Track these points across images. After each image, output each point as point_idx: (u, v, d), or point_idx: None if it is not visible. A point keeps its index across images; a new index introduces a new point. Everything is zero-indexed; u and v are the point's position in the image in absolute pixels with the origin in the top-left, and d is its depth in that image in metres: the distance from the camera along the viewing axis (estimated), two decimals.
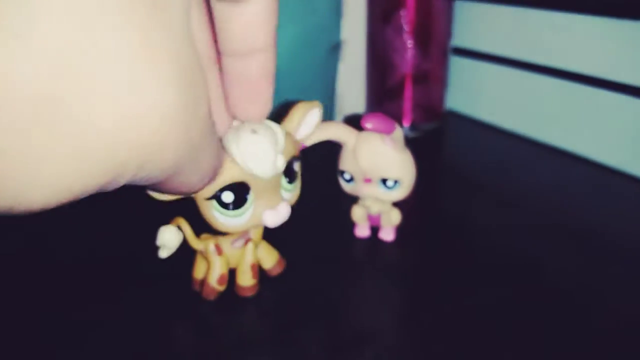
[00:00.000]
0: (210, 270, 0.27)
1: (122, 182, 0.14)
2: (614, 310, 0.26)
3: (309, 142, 0.30)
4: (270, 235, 0.28)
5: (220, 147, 0.21)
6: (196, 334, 0.25)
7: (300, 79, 0.47)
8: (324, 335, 0.25)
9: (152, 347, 0.25)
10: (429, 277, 0.29)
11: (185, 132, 0.15)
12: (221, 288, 0.27)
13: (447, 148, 0.50)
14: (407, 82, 0.49)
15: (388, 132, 0.28)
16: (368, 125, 0.28)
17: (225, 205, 0.23)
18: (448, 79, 0.52)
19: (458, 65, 0.55)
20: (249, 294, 0.28)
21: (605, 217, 0.36)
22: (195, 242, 0.27)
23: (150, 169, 0.14)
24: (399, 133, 0.30)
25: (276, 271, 0.29)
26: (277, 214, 0.25)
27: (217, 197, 0.23)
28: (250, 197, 0.23)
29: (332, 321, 0.26)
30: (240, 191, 0.23)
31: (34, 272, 0.30)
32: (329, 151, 0.31)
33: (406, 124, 0.50)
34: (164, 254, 0.26)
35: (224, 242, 0.27)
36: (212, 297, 0.27)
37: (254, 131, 0.22)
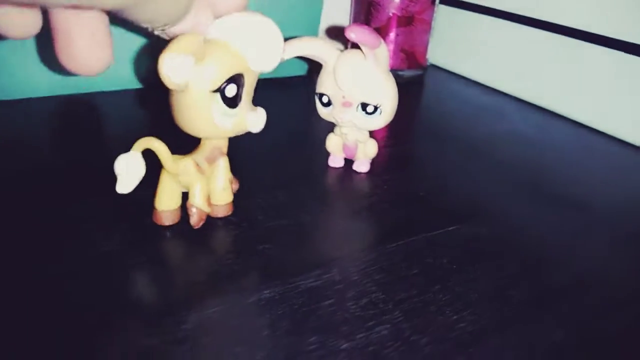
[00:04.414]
0: (196, 193, 0.23)
1: None
2: (565, 261, 0.26)
3: (286, 56, 0.28)
4: (237, 160, 0.26)
5: None
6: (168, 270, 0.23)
7: (284, 17, 0.44)
8: (289, 255, 0.23)
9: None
10: (396, 211, 0.28)
11: None
12: (209, 210, 0.24)
13: (426, 97, 0.49)
14: (392, 23, 0.47)
15: (373, 46, 0.26)
16: (352, 35, 0.25)
17: (227, 101, 0.22)
18: (433, 27, 0.50)
19: (444, 14, 0.53)
20: (228, 212, 0.26)
21: (570, 169, 0.35)
22: (172, 163, 0.23)
23: None
24: (384, 52, 0.28)
25: (234, 187, 0.27)
26: (261, 117, 0.24)
27: (222, 90, 0.21)
28: (243, 96, 0.23)
29: (299, 244, 0.24)
30: (239, 87, 0.22)
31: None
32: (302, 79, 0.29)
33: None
34: (124, 187, 0.21)
35: (199, 160, 0.24)
36: (201, 222, 0.24)
37: (260, 21, 0.22)
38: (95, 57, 0.17)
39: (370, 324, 0.20)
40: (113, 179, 0.21)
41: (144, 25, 0.18)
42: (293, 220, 0.26)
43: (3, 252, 0.22)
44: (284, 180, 0.30)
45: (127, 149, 0.22)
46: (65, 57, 0.17)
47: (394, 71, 0.48)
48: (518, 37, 0.46)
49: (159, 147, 0.22)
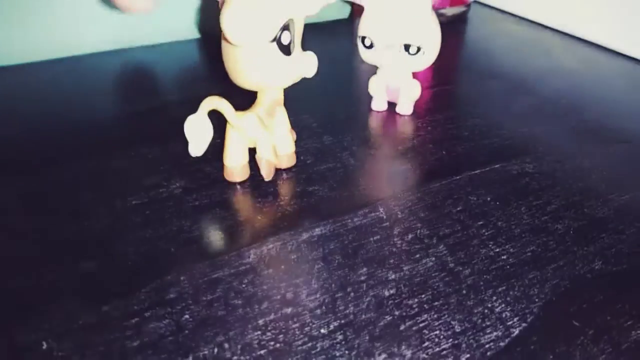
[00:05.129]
0: (262, 146, 0.24)
1: None
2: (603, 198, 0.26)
3: (329, 1, 0.28)
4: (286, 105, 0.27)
5: None
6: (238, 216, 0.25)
7: None
8: (337, 196, 0.25)
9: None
10: (439, 152, 0.28)
11: None
12: (277, 162, 0.25)
13: (469, 35, 0.48)
14: None
15: None
16: None
17: (283, 49, 0.22)
18: None
19: None
20: (292, 163, 0.27)
21: (615, 103, 0.35)
22: (237, 119, 0.23)
23: None
24: None
25: (293, 137, 0.28)
26: (314, 61, 0.24)
27: (278, 38, 0.22)
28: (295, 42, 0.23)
29: (346, 185, 0.26)
30: (291, 33, 0.23)
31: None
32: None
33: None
34: (196, 149, 0.23)
35: (260, 113, 0.24)
36: (272, 174, 0.25)
37: None
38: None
39: (416, 257, 0.21)
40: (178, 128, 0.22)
41: None
42: (340, 163, 0.27)
43: (92, 188, 0.25)
44: (329, 125, 0.31)
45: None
46: None
47: (436, 9, 0.47)
48: None
49: (224, 106, 0.23)
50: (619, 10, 0.41)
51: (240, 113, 0.24)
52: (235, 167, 0.25)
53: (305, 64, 0.24)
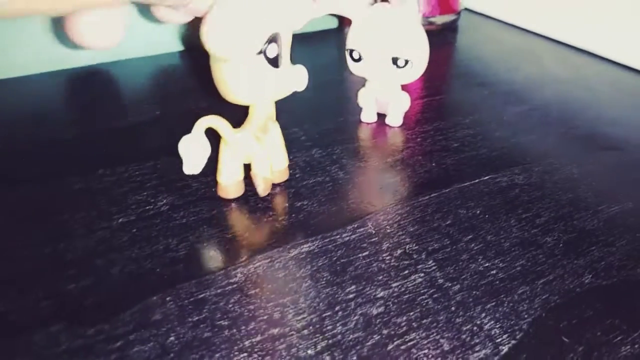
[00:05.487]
0: (258, 163, 0.24)
1: None
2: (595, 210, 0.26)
3: (315, 15, 0.28)
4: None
5: None
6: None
7: None
8: (325, 211, 0.25)
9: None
10: (429, 163, 0.28)
11: None
12: (273, 178, 0.25)
13: (460, 43, 0.48)
14: None
15: None
16: None
17: (270, 62, 0.22)
18: None
19: None
20: (284, 178, 0.26)
21: (606, 111, 0.35)
22: (233, 135, 0.23)
23: None
24: (413, 5, 0.27)
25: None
26: (303, 74, 0.24)
27: (264, 51, 0.22)
28: (283, 55, 0.23)
29: (335, 200, 0.25)
30: (278, 46, 0.22)
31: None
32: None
33: (421, 15, 0.47)
34: (192, 168, 0.22)
35: (254, 130, 0.24)
36: (268, 190, 0.25)
37: None
38: (104, 34, 0.18)
39: (405, 273, 0.21)
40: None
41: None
42: (329, 176, 0.27)
43: (71, 205, 0.24)
44: (318, 137, 0.31)
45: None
46: (73, 34, 0.18)
47: (426, 18, 0.47)
48: None
49: (220, 124, 0.22)
50: (608, 18, 0.41)
51: (235, 130, 0.23)
52: (230, 185, 0.25)
53: (295, 78, 0.24)
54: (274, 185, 0.26)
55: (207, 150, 0.22)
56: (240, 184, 0.25)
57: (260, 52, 0.22)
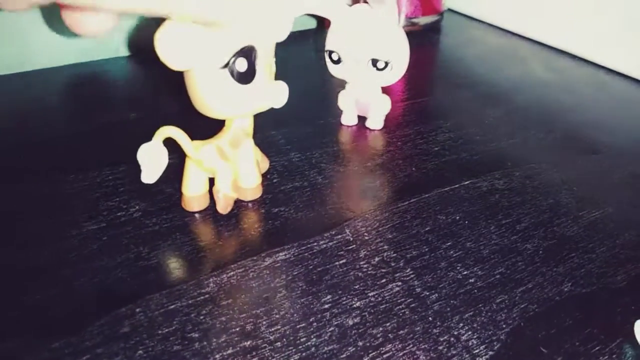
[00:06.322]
0: (220, 179, 0.23)
1: None
2: (573, 216, 0.26)
3: (293, 15, 0.27)
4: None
5: None
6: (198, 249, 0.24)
7: None
8: (303, 217, 0.24)
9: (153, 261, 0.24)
10: (409, 168, 0.28)
11: None
12: (236, 196, 0.24)
13: (443, 44, 0.48)
14: None
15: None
16: None
17: (238, 77, 0.21)
18: None
19: None
20: (257, 195, 0.25)
21: (588, 113, 0.35)
22: (193, 150, 0.22)
23: None
24: (393, 6, 0.27)
25: (262, 168, 0.27)
26: (283, 91, 0.23)
27: (230, 65, 0.20)
28: (259, 70, 0.21)
29: (312, 205, 0.25)
30: (251, 61, 0.21)
31: None
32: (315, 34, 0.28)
33: (403, 16, 0.47)
34: (149, 177, 0.21)
35: (222, 144, 0.23)
36: (229, 208, 0.24)
37: None
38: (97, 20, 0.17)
39: (382, 282, 0.21)
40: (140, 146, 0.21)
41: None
42: (307, 181, 0.27)
43: (35, 215, 0.24)
44: (297, 141, 0.30)
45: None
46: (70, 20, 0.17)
47: (409, 19, 0.47)
48: None
49: (179, 136, 0.22)
50: (591, 21, 0.41)
51: (199, 143, 0.23)
52: (192, 197, 0.24)
53: (272, 93, 0.23)
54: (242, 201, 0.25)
55: (164, 159, 0.21)
56: (205, 197, 0.24)
57: (225, 66, 0.20)
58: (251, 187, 0.25)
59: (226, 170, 0.23)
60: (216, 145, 0.23)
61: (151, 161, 0.21)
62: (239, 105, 0.22)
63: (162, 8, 0.16)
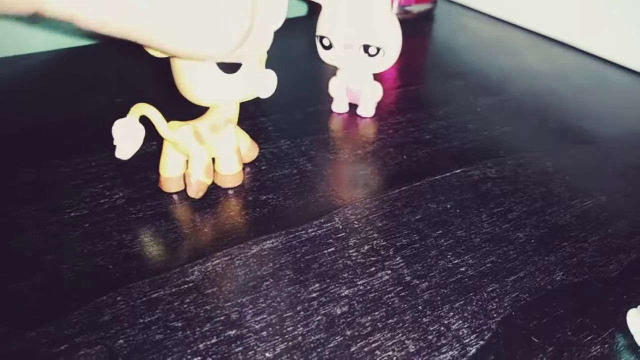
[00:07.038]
0: (194, 163, 0.22)
1: None
2: (565, 204, 0.25)
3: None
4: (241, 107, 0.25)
5: None
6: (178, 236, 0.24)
7: None
8: (292, 205, 0.23)
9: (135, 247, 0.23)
10: (400, 156, 0.27)
11: None
12: (209, 181, 0.23)
13: (436, 32, 0.47)
14: None
15: None
16: None
17: (223, 66, 0.21)
18: None
19: None
20: (237, 183, 0.24)
21: (581, 103, 0.34)
22: (167, 131, 0.21)
23: None
24: None
25: (251, 156, 0.26)
26: (271, 81, 0.23)
27: None
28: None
29: (302, 193, 0.24)
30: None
31: None
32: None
33: (396, 3, 0.46)
34: (123, 153, 0.21)
35: (200, 128, 0.23)
36: (201, 193, 0.23)
37: None
38: None
39: (371, 270, 0.20)
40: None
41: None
42: (296, 169, 0.26)
43: (18, 202, 0.23)
44: (287, 128, 0.29)
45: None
46: None
47: (402, 6, 0.46)
48: None
49: (153, 115, 0.21)
50: (587, 11, 0.41)
51: (176, 123, 0.22)
52: (169, 179, 0.23)
53: (258, 83, 0.22)
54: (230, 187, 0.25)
55: (140, 135, 0.21)
56: (182, 179, 0.24)
57: None
58: (231, 174, 0.24)
59: (201, 155, 0.22)
60: (193, 128, 0.22)
61: (126, 137, 0.21)
62: (224, 93, 0.22)
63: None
